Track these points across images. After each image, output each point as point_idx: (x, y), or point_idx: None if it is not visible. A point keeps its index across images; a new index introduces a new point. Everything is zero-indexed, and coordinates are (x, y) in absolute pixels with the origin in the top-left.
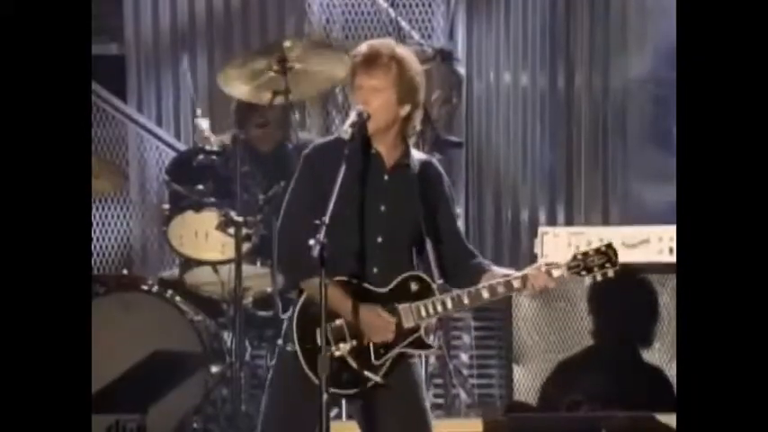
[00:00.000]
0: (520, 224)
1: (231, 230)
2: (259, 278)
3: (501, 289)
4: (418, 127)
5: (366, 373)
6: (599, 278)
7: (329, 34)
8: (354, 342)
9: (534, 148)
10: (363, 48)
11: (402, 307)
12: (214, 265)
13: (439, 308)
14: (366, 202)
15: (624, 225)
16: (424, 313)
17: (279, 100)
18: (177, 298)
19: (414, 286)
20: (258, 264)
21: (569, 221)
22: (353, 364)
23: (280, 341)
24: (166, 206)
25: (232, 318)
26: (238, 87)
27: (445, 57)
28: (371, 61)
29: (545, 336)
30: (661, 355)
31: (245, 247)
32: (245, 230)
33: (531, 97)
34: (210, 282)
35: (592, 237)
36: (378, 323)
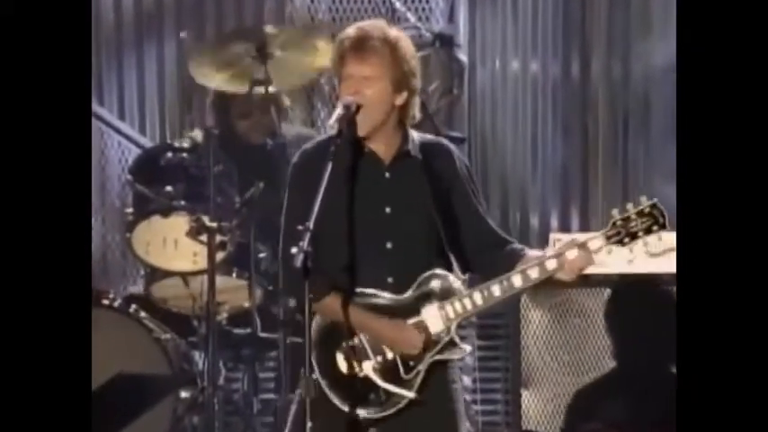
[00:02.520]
0: (529, 230)
1: (203, 237)
2: (235, 291)
3: (535, 273)
4: (417, 116)
5: (398, 390)
6: (648, 244)
7: (314, 16)
8: (379, 358)
9: (545, 145)
10: (351, 31)
11: (426, 311)
12: (184, 276)
13: (468, 305)
14: (367, 205)
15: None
16: (452, 314)
17: (258, 90)
18: (142, 314)
19: (436, 285)
20: (234, 275)
21: (585, 227)
22: (381, 383)
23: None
24: (130, 210)
25: (204, 336)
26: (212, 76)
27: (445, 42)
28: (362, 46)
29: (557, 356)
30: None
31: (220, 256)
32: (219, 237)
33: (541, 87)
34: (180, 295)
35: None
36: (401, 338)
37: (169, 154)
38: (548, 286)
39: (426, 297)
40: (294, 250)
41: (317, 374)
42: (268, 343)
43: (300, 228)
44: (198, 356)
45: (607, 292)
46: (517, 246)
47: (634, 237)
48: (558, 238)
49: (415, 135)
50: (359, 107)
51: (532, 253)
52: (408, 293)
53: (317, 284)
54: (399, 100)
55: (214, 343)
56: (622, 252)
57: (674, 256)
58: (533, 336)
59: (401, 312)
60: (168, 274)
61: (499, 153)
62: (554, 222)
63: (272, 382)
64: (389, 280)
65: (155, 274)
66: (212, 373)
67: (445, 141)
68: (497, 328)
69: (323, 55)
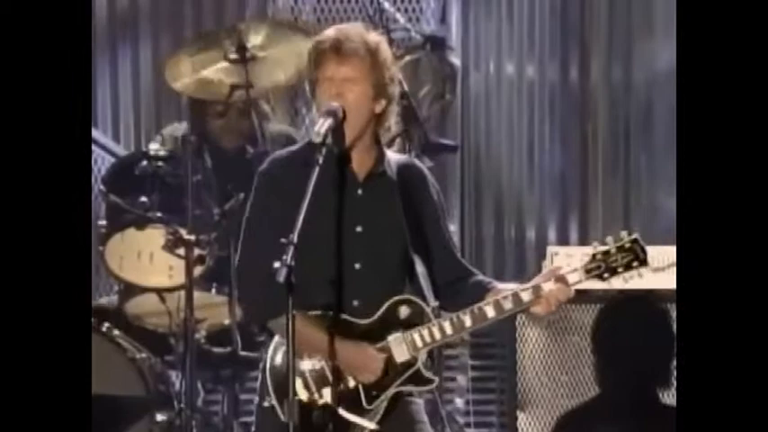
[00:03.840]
0: (525, 243)
1: (181, 251)
2: (214, 308)
3: (509, 304)
4: (393, 128)
5: (358, 420)
6: (626, 281)
7: (298, 17)
8: (341, 386)
9: (542, 153)
10: (330, 33)
11: (393, 338)
12: (160, 292)
13: (437, 334)
14: (338, 223)
15: (649, 245)
16: (419, 343)
17: (238, 95)
18: (116, 332)
19: (404, 312)
20: (213, 291)
21: (584, 240)
22: (342, 412)
23: (256, 399)
24: (103, 222)
25: (182, 355)
26: (189, 81)
27: (436, 44)
28: (341, 48)
29: (555, 377)
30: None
31: (198, 270)
32: (197, 251)
33: (538, 92)
34: (156, 312)
35: None
36: (360, 360)
37: (144, 163)
38: None
39: (393, 323)
40: (277, 264)
41: (273, 401)
42: (249, 362)
43: (284, 241)
44: (175, 377)
45: (606, 308)
46: (484, 278)
47: (613, 272)
48: (555, 252)
49: (391, 155)
50: (345, 114)
51: (502, 286)
52: (374, 318)
53: (277, 303)
54: (378, 107)
55: (192, 363)
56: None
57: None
58: (530, 355)
59: (365, 338)
60: (143, 289)
61: (493, 162)
62: (551, 235)
63: (253, 405)
64: (355, 303)
65: (129, 289)
66: (190, 394)
67: (419, 163)
68: (492, 347)
69: (306, 57)
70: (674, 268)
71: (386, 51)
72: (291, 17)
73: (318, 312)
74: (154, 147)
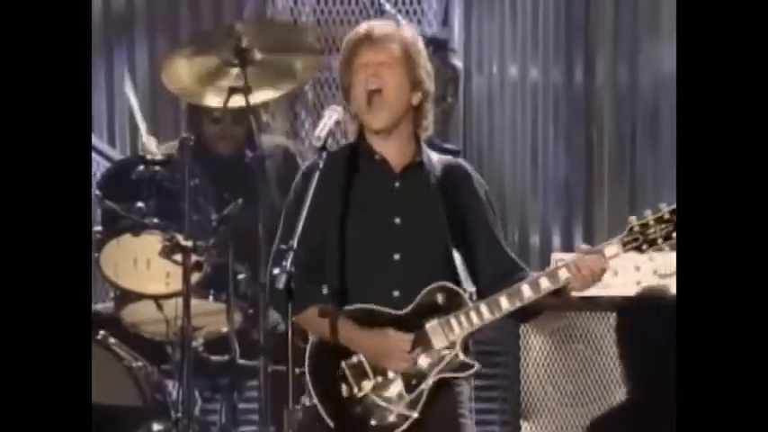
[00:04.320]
0: (529, 249)
1: (178, 257)
2: (212, 315)
3: (545, 283)
4: (431, 127)
5: (399, 410)
6: (667, 250)
7: (297, 18)
8: (380, 378)
9: (546, 157)
10: (363, 27)
11: (430, 325)
12: (157, 299)
13: (474, 318)
14: (376, 216)
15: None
16: (456, 328)
17: (237, 100)
18: (112, 340)
19: (441, 299)
20: (211, 298)
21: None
22: (382, 404)
23: (304, 399)
24: (98, 228)
25: (179, 364)
26: (186, 84)
27: (438, 46)
28: (376, 37)
29: (560, 385)
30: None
31: (195, 277)
32: (194, 257)
33: (542, 95)
34: (153, 320)
35: (616, 265)
36: (386, 346)
37: (141, 167)
38: (550, 310)
39: (430, 311)
40: (276, 271)
41: (315, 401)
42: (248, 371)
43: (284, 247)
44: (172, 386)
45: (612, 316)
46: (532, 273)
47: (653, 243)
48: (560, 258)
49: (431, 152)
50: (382, 92)
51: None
52: (410, 307)
53: (304, 296)
54: (415, 99)
55: (189, 371)
56: (629, 273)
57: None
58: (534, 363)
59: (403, 328)
60: (140, 296)
61: (496, 166)
62: (556, 241)
63: (252, 414)
64: (396, 294)
65: (125, 296)
66: (187, 403)
67: (465, 163)
68: (494, 354)
69: (306, 59)
70: None
71: (420, 46)
72: (291, 18)
73: (354, 306)
74: (150, 150)
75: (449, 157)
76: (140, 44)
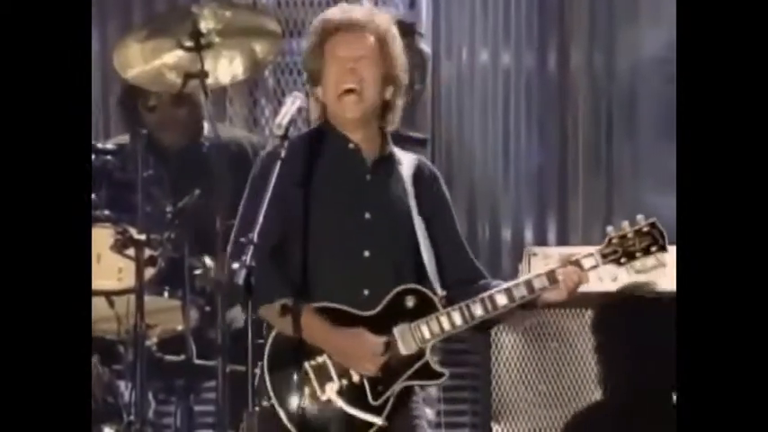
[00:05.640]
0: (501, 244)
1: (131, 252)
2: (166, 313)
3: (521, 292)
4: (397, 122)
5: (364, 416)
6: (647, 265)
7: (257, 0)
8: (344, 381)
9: (519, 147)
10: (337, 11)
11: (399, 330)
12: (108, 296)
13: (446, 325)
14: (346, 209)
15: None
16: (427, 334)
17: (193, 86)
18: None
19: (410, 302)
20: (166, 294)
21: (563, 241)
22: (346, 408)
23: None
24: None
25: (131, 364)
26: (140, 71)
27: (405, 30)
28: (352, 27)
29: (533, 386)
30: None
31: (149, 272)
32: (148, 252)
33: (514, 81)
34: (103, 317)
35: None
36: (357, 348)
37: (91, 156)
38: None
39: (400, 314)
40: (236, 265)
41: (273, 401)
42: (205, 371)
43: (243, 240)
44: (124, 387)
45: (588, 313)
46: (495, 281)
47: (631, 257)
48: (533, 253)
49: (395, 149)
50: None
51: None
52: (379, 309)
53: (269, 290)
54: (387, 93)
55: (142, 372)
56: (606, 268)
57: (662, 272)
58: (506, 362)
59: (371, 329)
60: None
61: (466, 156)
62: (528, 235)
63: (209, 417)
64: (365, 292)
65: None
66: (140, 406)
67: (429, 163)
68: (464, 353)
69: (267, 44)
70: (661, 270)
71: (396, 34)
72: (250, 0)
73: (320, 305)
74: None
75: (413, 155)
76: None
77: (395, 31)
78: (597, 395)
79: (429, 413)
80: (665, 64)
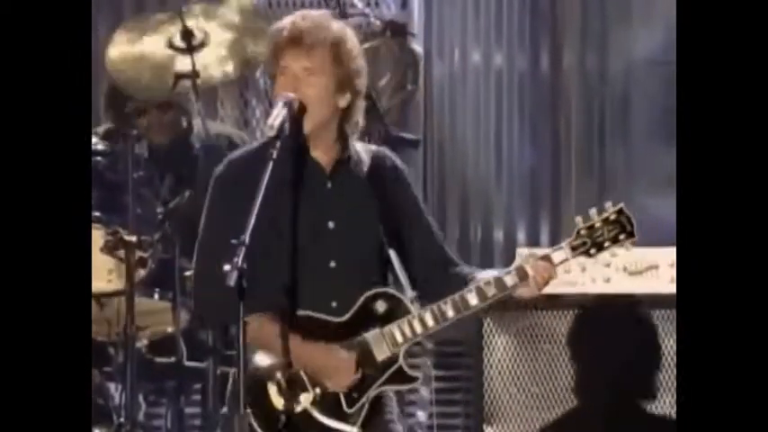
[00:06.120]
0: (493, 245)
1: (121, 253)
2: (157, 315)
3: (492, 290)
4: (361, 122)
5: (339, 425)
6: (616, 254)
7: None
8: (318, 391)
9: (511, 148)
10: (290, 20)
11: (371, 335)
12: (98, 297)
13: (418, 328)
14: (309, 220)
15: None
16: (399, 338)
17: (183, 86)
18: None
19: (381, 307)
20: (156, 296)
21: (555, 241)
22: (321, 418)
23: (224, 409)
24: None
25: (122, 366)
26: (129, 69)
27: (397, 31)
28: (302, 37)
29: (525, 387)
30: (669, 410)
31: (139, 274)
32: (138, 253)
33: (506, 82)
34: (94, 319)
35: (585, 261)
36: (330, 364)
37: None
38: (514, 308)
39: (371, 320)
40: (227, 267)
41: (248, 413)
42: (195, 373)
43: (235, 242)
44: (114, 389)
45: (580, 315)
46: (466, 268)
47: (600, 247)
48: (526, 254)
49: (357, 145)
50: (303, 106)
51: (484, 274)
52: (349, 315)
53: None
54: (343, 102)
55: (133, 374)
56: (599, 270)
57: (655, 274)
58: (498, 364)
59: (341, 336)
60: None
61: (459, 157)
62: (521, 236)
63: (198, 419)
64: (333, 304)
65: None
66: (131, 408)
67: (390, 153)
68: (457, 356)
69: (258, 44)
70: (654, 272)
71: (351, 42)
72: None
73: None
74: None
75: (374, 148)
76: None
77: (351, 37)
78: (589, 397)
79: (421, 415)
80: (658, 65)
